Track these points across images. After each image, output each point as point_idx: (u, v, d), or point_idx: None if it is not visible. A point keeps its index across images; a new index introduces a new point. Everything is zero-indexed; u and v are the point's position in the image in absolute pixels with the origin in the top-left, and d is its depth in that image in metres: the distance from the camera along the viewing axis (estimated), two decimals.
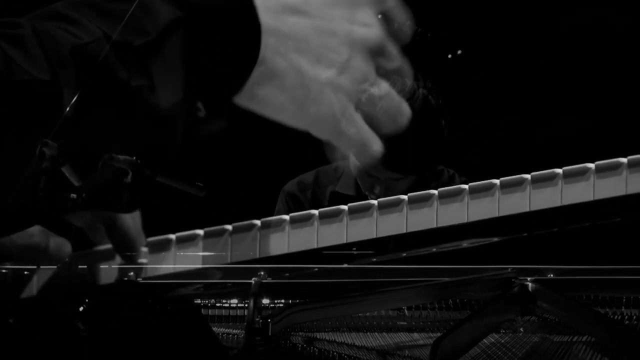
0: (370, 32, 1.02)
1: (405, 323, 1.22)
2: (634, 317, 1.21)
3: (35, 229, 1.03)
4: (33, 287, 1.04)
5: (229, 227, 1.08)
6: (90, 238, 1.07)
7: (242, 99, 0.96)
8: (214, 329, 1.16)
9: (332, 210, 1.10)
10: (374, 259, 1.12)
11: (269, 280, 1.13)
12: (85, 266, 1.06)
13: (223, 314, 1.20)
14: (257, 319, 1.10)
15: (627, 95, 3.79)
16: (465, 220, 1.09)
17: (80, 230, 1.06)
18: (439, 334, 1.11)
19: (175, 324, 1.05)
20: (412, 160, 2.58)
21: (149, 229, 1.08)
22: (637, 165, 1.07)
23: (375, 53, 1.01)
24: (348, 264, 1.13)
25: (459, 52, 4.15)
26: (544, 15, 3.99)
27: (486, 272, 1.20)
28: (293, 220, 1.08)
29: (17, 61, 0.88)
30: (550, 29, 4.00)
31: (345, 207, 1.09)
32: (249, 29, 0.94)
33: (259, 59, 0.94)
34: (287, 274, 1.13)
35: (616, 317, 1.21)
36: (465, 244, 1.13)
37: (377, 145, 1.01)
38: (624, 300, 1.21)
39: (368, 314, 1.22)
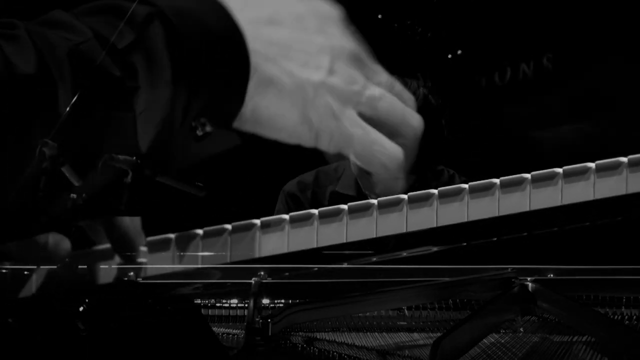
0: (344, 41, 1.04)
1: (405, 323, 1.22)
2: (634, 317, 1.21)
3: None
4: (32, 287, 1.04)
5: (229, 226, 1.08)
6: (91, 236, 1.07)
7: (248, 120, 0.99)
8: (214, 329, 1.16)
9: (332, 210, 1.09)
10: (374, 259, 1.12)
11: (269, 280, 1.13)
12: (85, 266, 1.06)
13: (223, 314, 1.20)
14: (257, 319, 1.10)
15: (627, 94, 3.79)
16: (465, 220, 1.09)
17: (80, 229, 1.06)
18: (439, 334, 1.11)
19: (175, 324, 1.05)
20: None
21: (149, 229, 1.08)
22: (637, 164, 1.06)
23: (356, 62, 1.04)
24: (348, 264, 1.13)
25: (459, 52, 4.15)
26: (544, 15, 3.99)
27: (486, 272, 1.20)
28: (293, 220, 1.08)
29: (13, 59, 0.89)
30: (550, 28, 4.00)
31: (345, 207, 1.09)
32: (234, 39, 0.97)
33: (251, 66, 0.97)
34: (287, 274, 1.13)
35: (616, 317, 1.21)
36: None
37: (389, 146, 1.03)
38: (624, 300, 1.21)
39: (368, 314, 1.22)
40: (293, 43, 1.01)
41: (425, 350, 1.15)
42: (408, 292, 1.19)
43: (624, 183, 1.06)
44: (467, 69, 4.11)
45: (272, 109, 0.99)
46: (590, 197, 1.07)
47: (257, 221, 1.09)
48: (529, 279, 1.19)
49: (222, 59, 0.96)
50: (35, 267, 1.05)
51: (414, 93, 2.76)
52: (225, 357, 1.11)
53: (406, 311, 1.22)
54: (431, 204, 1.09)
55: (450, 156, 2.88)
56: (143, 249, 1.06)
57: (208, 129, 0.97)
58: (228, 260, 1.09)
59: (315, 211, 1.09)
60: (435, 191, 1.10)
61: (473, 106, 4.00)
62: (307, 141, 1.02)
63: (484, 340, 1.17)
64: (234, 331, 1.19)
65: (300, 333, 1.17)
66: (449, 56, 4.15)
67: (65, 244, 1.04)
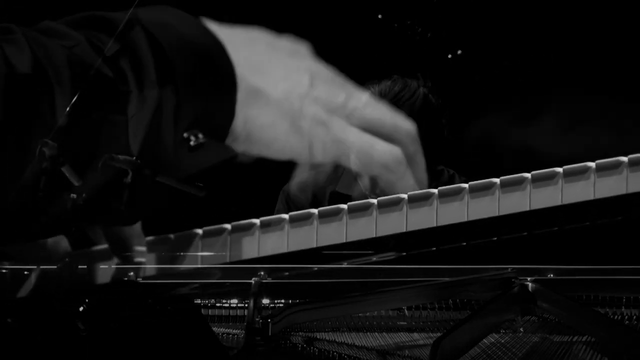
0: (318, 64, 1.08)
1: (405, 323, 1.22)
2: (634, 317, 1.21)
3: None
4: (32, 287, 1.04)
5: (228, 226, 1.08)
6: (91, 236, 1.08)
7: (241, 135, 1.01)
8: (214, 329, 1.16)
9: (332, 209, 1.09)
10: (373, 259, 1.12)
11: (269, 280, 1.13)
12: (85, 266, 1.06)
13: (223, 314, 1.20)
14: (257, 319, 1.10)
15: (627, 94, 3.79)
16: (465, 219, 1.08)
17: (80, 229, 1.06)
18: (439, 334, 1.11)
19: (175, 324, 1.05)
20: None
21: (149, 229, 1.08)
22: (637, 164, 1.06)
23: (335, 81, 1.07)
24: (348, 264, 1.13)
25: (459, 52, 4.15)
26: (544, 15, 3.99)
27: (486, 272, 1.20)
28: (292, 220, 1.08)
29: (12, 60, 0.90)
30: (550, 28, 4.00)
31: (344, 206, 1.09)
32: (215, 50, 1.00)
33: (237, 77, 0.99)
34: (287, 273, 1.13)
35: (616, 317, 1.21)
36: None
37: (386, 146, 1.03)
38: (624, 300, 1.21)
39: (368, 314, 1.22)
40: (271, 59, 1.04)
41: (425, 350, 1.15)
42: (408, 292, 1.18)
43: (624, 183, 1.06)
44: (467, 69, 4.12)
45: (262, 119, 1.01)
46: (591, 197, 1.07)
47: (257, 221, 1.09)
48: (529, 279, 1.19)
49: (205, 68, 0.98)
50: (35, 267, 1.05)
51: (414, 93, 2.77)
52: (225, 357, 1.11)
53: (406, 311, 1.22)
54: (431, 204, 1.09)
55: (450, 156, 2.88)
56: (142, 249, 1.06)
57: (201, 139, 0.98)
58: (228, 260, 1.09)
59: (315, 211, 1.09)
60: (435, 191, 1.10)
61: (473, 106, 4.01)
62: (300, 153, 1.03)
63: (484, 340, 1.17)
64: (234, 331, 1.19)
65: (300, 333, 1.17)
66: (449, 56, 4.15)
67: (65, 243, 1.04)
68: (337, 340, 1.18)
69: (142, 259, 1.06)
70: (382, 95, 2.75)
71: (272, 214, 1.11)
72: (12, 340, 0.98)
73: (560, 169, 1.08)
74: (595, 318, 1.17)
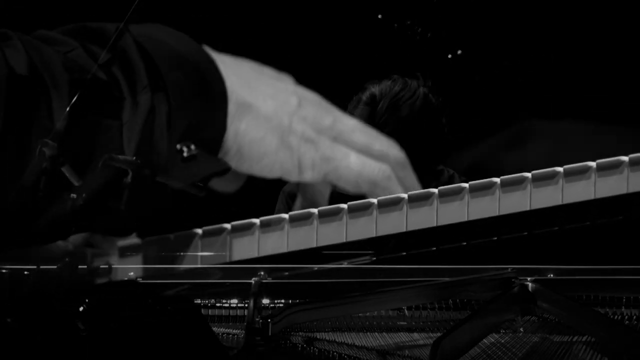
0: (304, 89, 1.10)
1: (405, 323, 1.22)
2: (634, 317, 1.21)
3: None
4: (32, 287, 1.04)
5: (228, 226, 1.08)
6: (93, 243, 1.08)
7: (232, 149, 1.03)
8: (214, 329, 1.16)
9: (332, 209, 1.09)
10: (373, 258, 1.12)
11: (269, 280, 1.13)
12: (85, 266, 1.06)
13: (223, 314, 1.20)
14: (257, 319, 1.10)
15: (628, 93, 3.79)
16: (465, 219, 1.08)
17: (80, 229, 1.06)
18: (439, 334, 1.11)
19: (175, 324, 1.05)
20: (413, 157, 2.58)
21: (149, 228, 1.07)
22: (638, 163, 1.06)
23: (321, 105, 1.09)
24: (348, 264, 1.13)
25: (459, 52, 4.15)
26: (545, 15, 3.99)
27: (486, 272, 1.20)
28: (292, 219, 1.08)
29: (11, 62, 0.91)
30: (551, 28, 4.00)
31: (344, 206, 1.09)
32: (204, 62, 1.02)
33: (228, 91, 1.01)
34: (287, 273, 1.13)
35: (616, 317, 1.21)
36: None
37: (374, 164, 1.06)
38: (624, 300, 1.21)
39: (368, 314, 1.22)
40: (259, 79, 1.06)
41: (425, 350, 1.15)
42: (408, 292, 1.18)
43: (624, 182, 1.06)
44: (467, 69, 4.12)
45: (252, 133, 1.03)
46: (591, 197, 1.07)
47: (257, 220, 1.09)
48: (529, 279, 1.19)
49: (195, 78, 1.00)
50: (35, 267, 1.05)
51: (414, 93, 2.77)
52: (225, 357, 1.11)
53: (406, 311, 1.22)
54: (431, 203, 1.09)
55: (450, 156, 2.88)
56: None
57: (194, 150, 0.99)
58: (227, 260, 1.09)
59: (314, 210, 1.09)
60: (435, 190, 1.10)
61: (473, 106, 4.01)
62: (290, 170, 1.05)
63: (484, 340, 1.17)
64: (234, 331, 1.19)
65: (300, 333, 1.16)
66: (449, 56, 4.15)
67: (64, 243, 1.04)
68: (337, 340, 1.18)
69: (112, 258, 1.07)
70: (383, 95, 2.75)
71: (272, 214, 1.11)
72: (12, 340, 0.98)
73: (560, 169, 1.08)
74: (595, 318, 1.17)
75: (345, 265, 1.13)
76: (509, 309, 1.19)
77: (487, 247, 1.13)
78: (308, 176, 1.07)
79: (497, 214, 1.08)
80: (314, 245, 1.09)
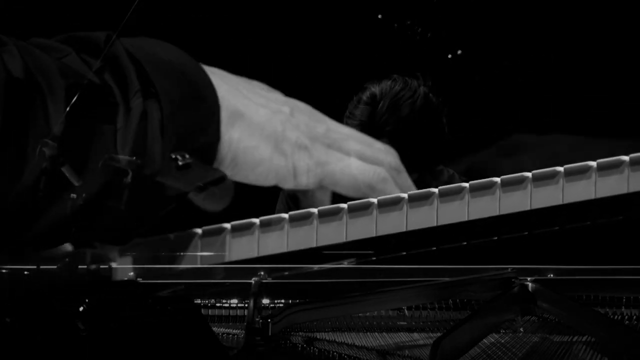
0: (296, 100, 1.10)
1: (405, 323, 1.22)
2: (634, 317, 1.21)
3: None
4: (32, 287, 1.04)
5: (228, 225, 1.08)
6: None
7: (226, 157, 1.03)
8: (214, 329, 1.16)
9: (332, 209, 1.09)
10: (373, 258, 1.12)
11: (269, 280, 1.13)
12: (85, 266, 1.06)
13: (223, 314, 1.19)
14: (257, 319, 1.09)
15: (628, 93, 3.79)
16: (465, 219, 1.08)
17: (80, 229, 1.06)
18: (439, 334, 1.11)
19: (175, 324, 1.05)
20: (414, 157, 2.58)
21: (149, 228, 1.07)
22: (639, 163, 1.06)
23: (314, 114, 1.10)
24: (348, 263, 1.13)
25: (459, 52, 4.15)
26: (545, 15, 3.99)
27: (486, 272, 1.20)
28: (292, 219, 1.08)
29: (8, 65, 0.91)
30: (551, 28, 4.00)
31: (344, 205, 1.09)
32: (193, 70, 1.03)
33: (219, 98, 1.02)
34: (287, 273, 1.13)
35: (616, 317, 1.21)
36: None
37: (369, 167, 1.06)
38: (624, 300, 1.21)
39: (368, 314, 1.22)
40: (250, 89, 1.07)
41: (425, 350, 1.15)
42: (408, 292, 1.18)
43: (625, 182, 1.06)
44: (467, 69, 4.12)
45: (246, 141, 1.04)
46: (592, 196, 1.07)
47: (256, 220, 1.09)
48: (529, 279, 1.19)
49: (186, 86, 1.01)
50: (35, 267, 1.05)
51: (415, 92, 2.77)
52: (225, 357, 1.11)
53: (406, 311, 1.22)
54: (431, 203, 1.09)
55: (450, 156, 2.88)
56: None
57: (188, 159, 0.99)
58: (227, 260, 1.09)
59: (314, 210, 1.09)
60: (435, 190, 1.10)
61: (473, 106, 4.01)
62: (285, 177, 1.06)
63: (484, 340, 1.17)
64: (234, 331, 1.19)
65: (300, 333, 1.16)
66: (449, 56, 4.16)
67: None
68: (337, 340, 1.18)
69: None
70: (383, 95, 2.75)
71: (273, 214, 1.11)
72: (12, 340, 0.98)
73: (561, 168, 1.08)
74: (595, 318, 1.17)
75: (345, 265, 1.13)
76: (509, 309, 1.19)
77: (487, 247, 1.13)
78: (303, 182, 1.07)
79: (497, 213, 1.08)
80: (313, 245, 1.09)
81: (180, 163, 0.99)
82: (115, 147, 0.96)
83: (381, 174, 1.09)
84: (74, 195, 0.96)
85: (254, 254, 1.09)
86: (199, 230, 1.09)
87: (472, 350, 1.14)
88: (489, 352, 1.16)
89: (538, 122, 3.95)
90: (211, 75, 1.03)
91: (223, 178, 1.02)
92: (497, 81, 4.05)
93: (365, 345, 1.18)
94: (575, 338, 1.17)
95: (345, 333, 1.20)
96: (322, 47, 4.05)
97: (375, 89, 2.77)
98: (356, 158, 1.09)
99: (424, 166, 2.73)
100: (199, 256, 1.08)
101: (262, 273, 1.13)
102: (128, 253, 1.05)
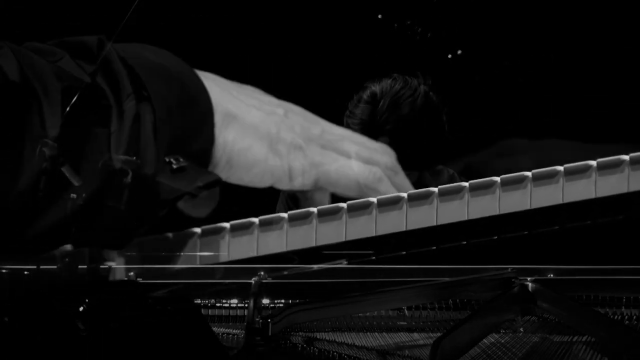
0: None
1: (405, 323, 1.22)
2: (634, 317, 1.21)
3: None
4: (32, 287, 1.04)
5: (227, 225, 1.08)
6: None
7: (221, 160, 1.03)
8: (214, 329, 1.16)
9: (331, 208, 1.09)
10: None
11: (269, 280, 1.13)
12: (85, 266, 1.06)
13: (223, 314, 1.19)
14: (257, 319, 1.09)
15: (628, 92, 3.79)
16: (465, 218, 1.08)
17: (80, 229, 1.06)
18: (439, 334, 1.11)
19: (175, 324, 1.05)
20: (414, 155, 2.58)
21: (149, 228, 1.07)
22: (639, 162, 1.06)
23: (308, 115, 1.10)
24: (348, 263, 1.13)
25: (459, 52, 4.15)
26: (545, 15, 3.99)
27: (486, 272, 1.20)
28: (291, 219, 1.08)
29: (5, 68, 0.92)
30: (551, 28, 4.00)
31: (344, 205, 1.09)
32: (185, 73, 1.03)
33: (212, 101, 1.02)
34: (286, 273, 1.13)
35: (616, 317, 1.21)
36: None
37: (363, 167, 1.06)
38: (624, 300, 1.21)
39: (368, 314, 1.22)
40: (242, 92, 1.07)
41: (425, 350, 1.15)
42: (408, 292, 1.18)
43: (625, 181, 1.06)
44: (467, 69, 4.12)
45: (240, 143, 1.04)
46: (592, 196, 1.07)
47: (256, 220, 1.09)
48: (529, 279, 1.19)
49: (178, 90, 1.01)
50: (35, 267, 1.05)
51: (415, 91, 2.77)
52: (225, 357, 1.11)
53: (406, 311, 1.22)
54: (431, 202, 1.09)
55: (450, 156, 2.88)
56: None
57: (182, 162, 0.99)
58: (227, 259, 1.09)
59: (314, 209, 1.09)
60: (435, 189, 1.10)
61: (473, 106, 4.01)
62: (280, 177, 1.06)
63: (484, 340, 1.17)
64: (234, 331, 1.18)
65: (300, 333, 1.16)
66: (449, 56, 4.16)
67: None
68: (337, 340, 1.18)
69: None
70: (383, 94, 2.75)
71: (273, 214, 1.11)
72: (12, 340, 0.98)
73: (561, 168, 1.08)
74: (595, 318, 1.17)
75: (345, 265, 1.13)
76: (509, 309, 1.19)
77: (487, 247, 1.13)
78: (299, 183, 1.07)
79: (497, 213, 1.08)
80: (313, 244, 1.09)
81: (174, 166, 0.99)
82: (110, 150, 0.96)
83: (377, 174, 1.09)
84: (74, 195, 0.96)
85: (253, 253, 1.09)
86: (198, 230, 1.09)
87: (472, 350, 1.14)
88: (489, 352, 1.16)
89: (538, 122, 3.95)
90: (204, 80, 1.03)
91: (218, 181, 1.02)
92: (497, 81, 4.05)
93: (365, 345, 1.18)
94: (575, 338, 1.17)
95: (345, 333, 1.19)
96: (322, 47, 4.05)
97: (376, 87, 2.77)
98: (352, 158, 1.09)
99: (424, 165, 2.73)
100: (198, 256, 1.08)
101: (262, 273, 1.13)
102: (128, 253, 1.05)
